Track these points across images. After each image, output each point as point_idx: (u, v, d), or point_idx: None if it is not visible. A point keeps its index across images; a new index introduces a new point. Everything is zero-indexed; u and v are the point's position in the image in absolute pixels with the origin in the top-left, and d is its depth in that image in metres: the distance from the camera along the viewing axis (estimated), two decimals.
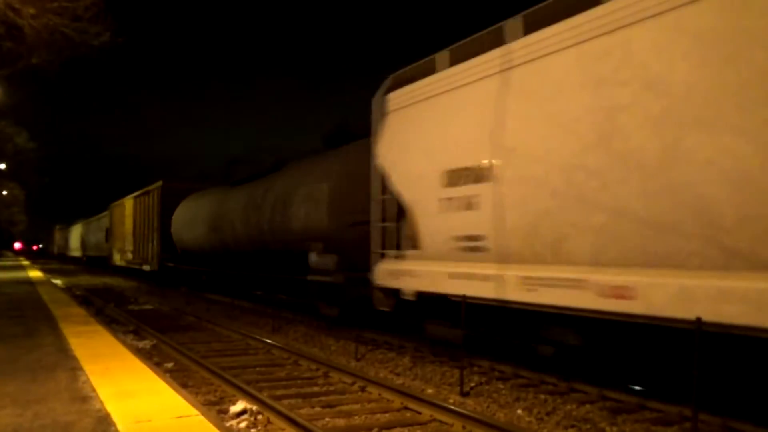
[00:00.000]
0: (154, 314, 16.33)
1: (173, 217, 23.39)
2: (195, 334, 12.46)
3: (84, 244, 53.29)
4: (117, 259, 34.82)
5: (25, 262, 52.17)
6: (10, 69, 13.79)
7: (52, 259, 76.60)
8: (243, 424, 6.00)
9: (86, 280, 32.99)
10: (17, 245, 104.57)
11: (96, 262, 46.34)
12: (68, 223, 71.39)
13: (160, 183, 25.07)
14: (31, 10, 11.15)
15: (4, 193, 49.58)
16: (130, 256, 30.42)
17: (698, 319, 5.15)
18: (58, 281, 28.01)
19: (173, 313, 16.41)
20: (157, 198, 24.99)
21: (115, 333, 10.15)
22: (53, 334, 9.30)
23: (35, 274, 30.90)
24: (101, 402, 5.18)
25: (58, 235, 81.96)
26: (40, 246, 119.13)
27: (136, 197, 29.30)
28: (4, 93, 19.86)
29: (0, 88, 19.09)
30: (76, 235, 60.83)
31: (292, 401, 6.87)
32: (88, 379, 6.09)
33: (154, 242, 25.14)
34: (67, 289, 23.40)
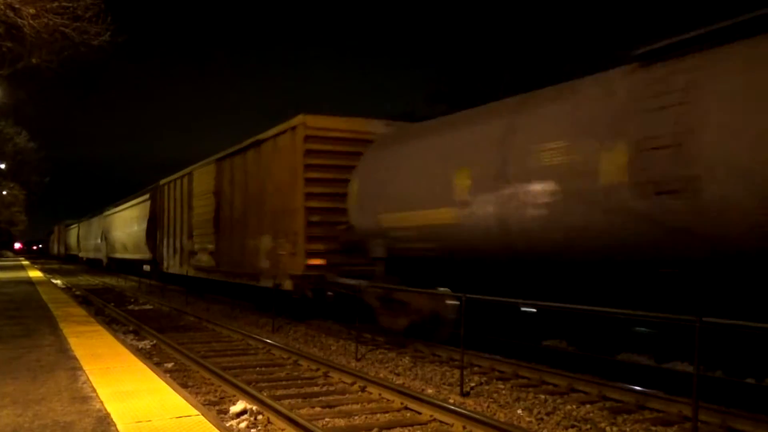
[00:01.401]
0: (154, 314, 16.35)
1: (353, 186, 11.46)
2: (195, 334, 12.47)
3: (107, 244, 38.99)
4: (173, 264, 22.75)
5: (25, 262, 52.20)
6: (10, 69, 13.79)
7: (52, 259, 76.39)
8: (243, 424, 6.01)
9: (86, 280, 33.02)
10: (17, 245, 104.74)
11: (127, 267, 32.77)
12: (76, 218, 60.36)
13: (301, 118, 12.70)
14: (31, 10, 11.14)
15: (4, 193, 49.57)
16: (206, 260, 18.44)
17: (698, 318, 5.16)
18: (58, 281, 28.04)
19: (173, 313, 16.41)
20: (296, 149, 12.74)
21: (115, 333, 10.17)
22: (53, 334, 9.31)
23: (35, 274, 30.91)
24: (101, 402, 5.18)
25: (62, 234, 73.03)
26: (40, 246, 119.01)
27: (220, 159, 17.43)
28: (4, 93, 19.84)
29: (0, 88, 19.08)
30: (90, 231, 47.64)
31: (292, 401, 6.87)
32: (88, 379, 6.10)
33: (281, 238, 13.32)
34: (67, 289, 23.44)
